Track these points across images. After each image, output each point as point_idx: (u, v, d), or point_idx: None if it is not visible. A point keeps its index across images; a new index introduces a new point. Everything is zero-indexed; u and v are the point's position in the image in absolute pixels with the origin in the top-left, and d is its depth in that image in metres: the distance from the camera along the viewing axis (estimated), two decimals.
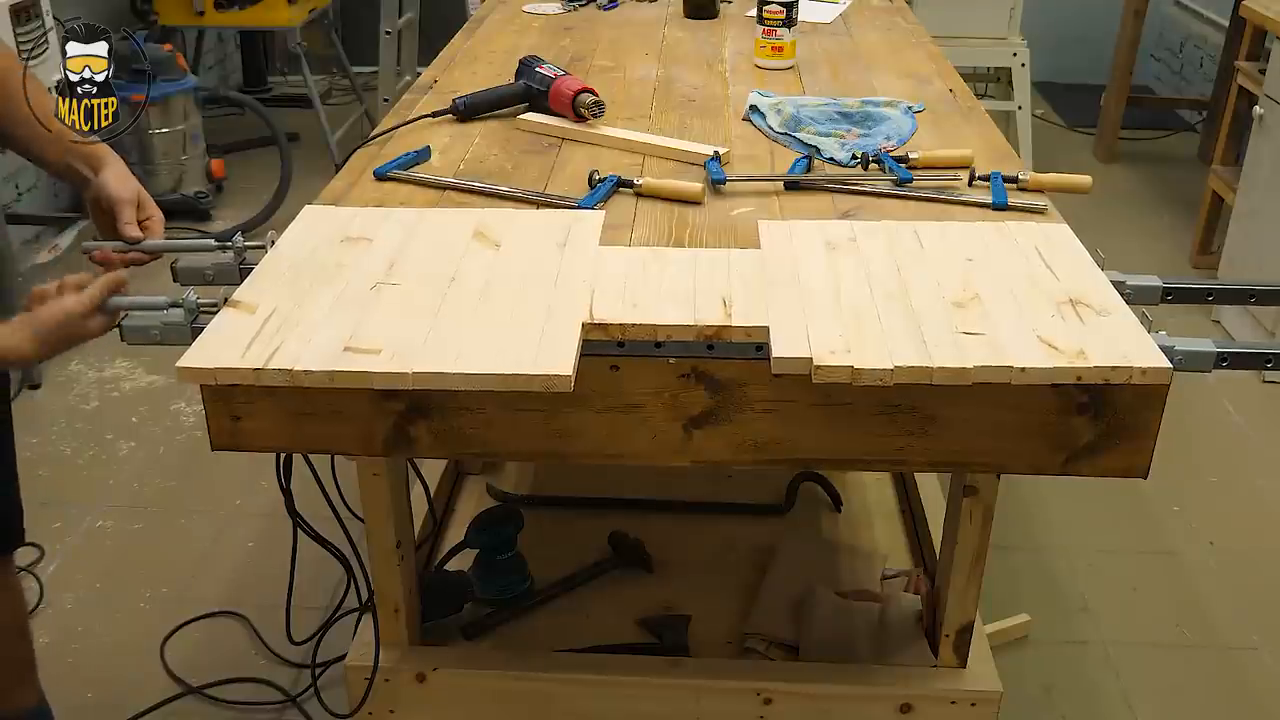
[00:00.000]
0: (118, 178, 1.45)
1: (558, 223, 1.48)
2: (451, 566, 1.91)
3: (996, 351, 1.17)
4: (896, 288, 1.30)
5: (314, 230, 1.46)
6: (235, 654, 2.20)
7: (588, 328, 1.23)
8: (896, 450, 1.25)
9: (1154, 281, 1.40)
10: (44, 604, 2.09)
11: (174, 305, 1.30)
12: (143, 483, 2.72)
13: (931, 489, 2.13)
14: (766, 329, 1.22)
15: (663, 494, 2.15)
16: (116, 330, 1.30)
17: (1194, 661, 2.24)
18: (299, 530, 1.57)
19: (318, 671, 1.90)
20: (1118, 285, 1.34)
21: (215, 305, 1.28)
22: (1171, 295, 1.40)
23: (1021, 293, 1.29)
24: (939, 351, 1.17)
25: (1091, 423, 1.22)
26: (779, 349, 1.18)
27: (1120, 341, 1.20)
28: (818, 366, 1.15)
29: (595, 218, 1.50)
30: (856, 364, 1.15)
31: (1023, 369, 1.15)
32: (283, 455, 1.50)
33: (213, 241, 1.44)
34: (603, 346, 1.23)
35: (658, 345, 1.23)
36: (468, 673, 1.66)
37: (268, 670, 2.15)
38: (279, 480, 1.51)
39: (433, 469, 2.11)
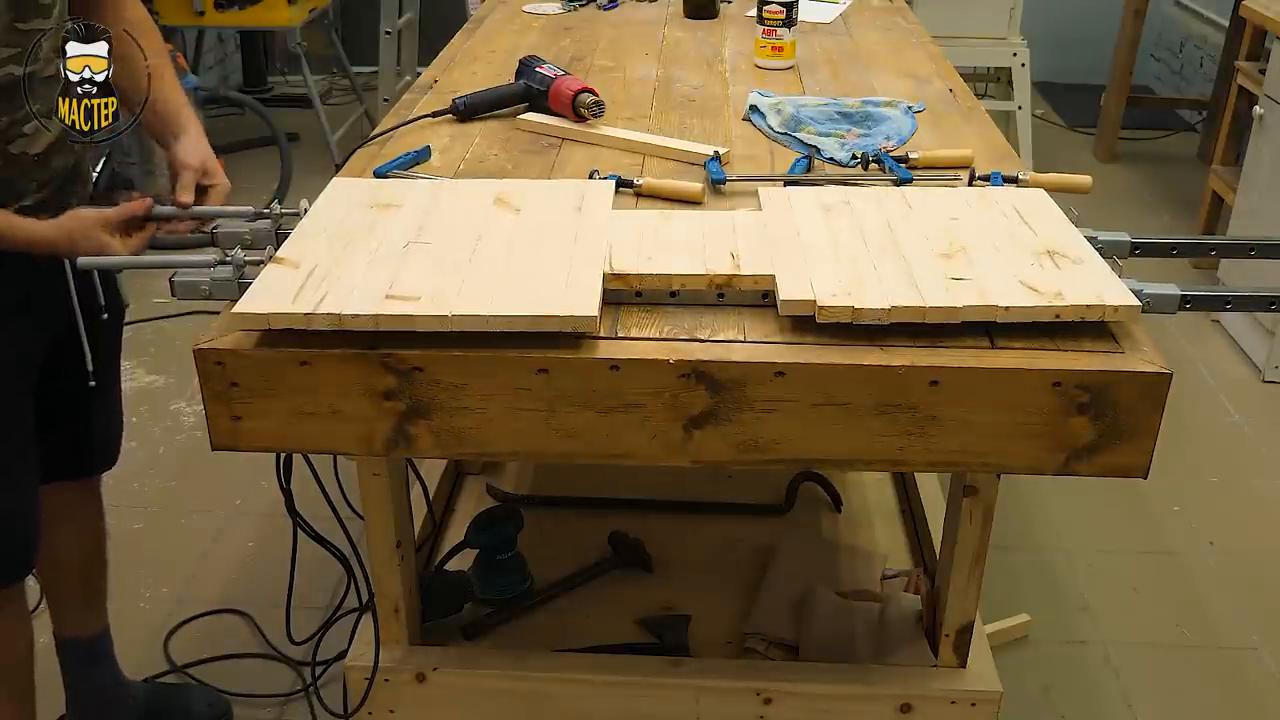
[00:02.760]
0: (187, 147, 1.58)
1: (572, 190, 1.56)
2: (451, 566, 1.91)
3: (982, 294, 1.25)
4: (888, 242, 1.38)
5: (344, 198, 1.52)
6: (237, 651, 2.20)
7: (608, 278, 1.30)
8: (896, 450, 1.25)
9: (1123, 237, 1.48)
10: (43, 605, 2.08)
11: (223, 262, 1.34)
12: (143, 483, 2.72)
13: (931, 489, 2.13)
14: (773, 277, 1.30)
15: (663, 494, 2.15)
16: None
17: (1194, 661, 2.24)
18: (299, 530, 1.57)
19: (318, 671, 1.90)
20: (1090, 240, 1.42)
21: (261, 264, 1.33)
22: (1139, 249, 1.49)
23: (1003, 245, 1.38)
24: (931, 294, 1.25)
25: (1091, 423, 1.22)
26: (786, 293, 1.26)
27: (1094, 284, 1.28)
28: (821, 307, 1.23)
29: (606, 185, 1.56)
30: (856, 304, 1.23)
31: (1006, 308, 1.23)
32: (283, 455, 1.50)
33: (251, 209, 1.48)
34: (620, 295, 1.31)
35: (672, 294, 1.32)
36: (468, 673, 1.66)
37: (268, 669, 2.16)
38: (279, 480, 1.51)
39: (433, 469, 2.11)
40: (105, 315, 1.61)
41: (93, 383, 1.61)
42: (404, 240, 1.38)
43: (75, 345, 1.58)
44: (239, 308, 1.23)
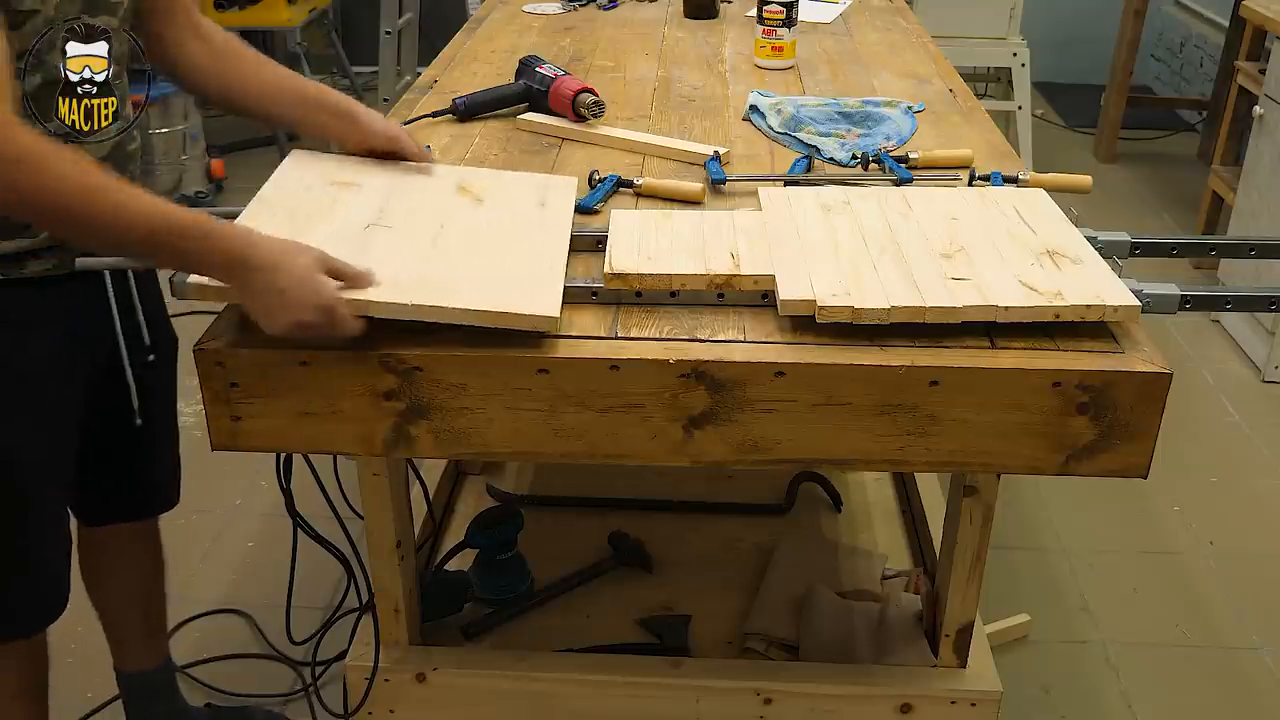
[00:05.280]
0: (382, 121, 1.55)
1: (536, 184, 1.56)
2: (451, 566, 1.91)
3: (982, 293, 1.26)
4: (889, 242, 1.38)
5: (303, 171, 1.50)
6: (237, 651, 2.20)
7: (608, 278, 1.31)
8: (896, 450, 1.25)
9: (1123, 237, 1.49)
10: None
11: None
12: None
13: (931, 489, 2.13)
14: (773, 277, 1.30)
15: (663, 494, 2.15)
16: None
17: (1194, 661, 2.24)
18: (299, 530, 1.57)
19: (318, 671, 1.90)
20: (1090, 240, 1.42)
21: None
22: (1139, 249, 1.50)
23: (1003, 245, 1.38)
24: (931, 294, 1.25)
25: (1091, 423, 1.22)
26: (785, 293, 1.26)
27: (1094, 284, 1.28)
28: (821, 307, 1.24)
29: (569, 182, 1.57)
30: (856, 304, 1.23)
31: (1006, 308, 1.24)
32: (283, 455, 1.50)
33: None
34: (620, 295, 1.32)
35: (672, 294, 1.32)
36: (468, 673, 1.66)
37: (268, 669, 2.16)
38: (279, 480, 1.51)
39: (433, 469, 2.11)
40: (151, 357, 1.59)
41: (139, 420, 1.58)
42: (365, 221, 1.37)
43: (125, 384, 1.56)
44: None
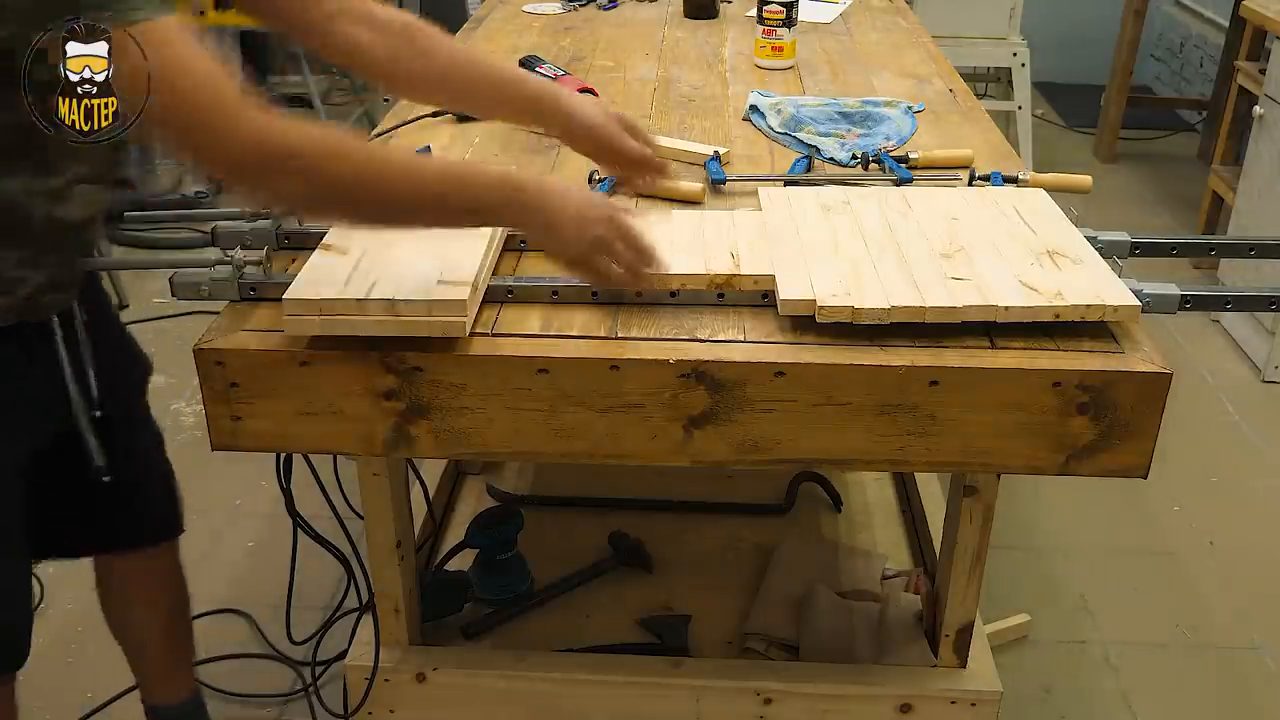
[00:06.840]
0: (588, 110, 1.43)
1: None
2: (451, 566, 1.91)
3: (982, 293, 1.26)
4: (888, 242, 1.38)
5: None
6: (236, 651, 2.20)
7: None
8: (896, 450, 1.25)
9: (1123, 237, 1.49)
10: (44, 604, 2.08)
11: (221, 263, 1.32)
12: None
13: (931, 489, 2.13)
14: (773, 276, 1.30)
15: (663, 494, 2.15)
16: None
17: (1194, 661, 2.24)
18: (299, 530, 1.57)
19: (318, 671, 1.90)
20: (1090, 240, 1.42)
21: (260, 264, 1.33)
22: (1139, 249, 1.50)
23: (1003, 245, 1.38)
24: (931, 294, 1.26)
25: (1091, 422, 1.22)
26: (785, 292, 1.26)
27: (1094, 284, 1.29)
28: (821, 307, 1.24)
29: None
30: (856, 304, 1.24)
31: (1006, 308, 1.24)
32: (283, 455, 1.50)
33: (251, 209, 1.45)
34: (620, 295, 1.32)
35: (672, 294, 1.32)
36: (468, 673, 1.66)
37: (268, 669, 2.16)
38: (279, 480, 1.51)
39: (433, 469, 2.11)
40: (99, 413, 1.44)
41: (107, 477, 1.46)
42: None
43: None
44: (290, 294, 1.21)
